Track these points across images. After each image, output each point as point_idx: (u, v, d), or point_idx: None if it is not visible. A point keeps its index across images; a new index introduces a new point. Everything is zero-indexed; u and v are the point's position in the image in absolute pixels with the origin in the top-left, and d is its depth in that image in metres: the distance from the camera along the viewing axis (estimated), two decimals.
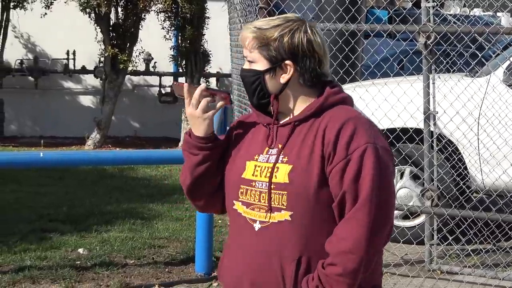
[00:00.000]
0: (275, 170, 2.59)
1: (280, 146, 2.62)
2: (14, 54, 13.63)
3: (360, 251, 2.49)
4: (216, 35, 13.00)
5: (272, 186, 2.59)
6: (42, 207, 8.08)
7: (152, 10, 12.27)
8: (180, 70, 13.93)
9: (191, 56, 12.64)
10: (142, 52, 13.00)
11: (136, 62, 12.80)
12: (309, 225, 2.56)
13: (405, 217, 7.47)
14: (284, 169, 2.58)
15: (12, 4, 12.50)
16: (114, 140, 13.52)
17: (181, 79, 14.07)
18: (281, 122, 2.65)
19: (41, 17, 12.52)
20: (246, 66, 2.66)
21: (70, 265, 6.20)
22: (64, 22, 13.57)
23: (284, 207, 2.58)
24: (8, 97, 13.97)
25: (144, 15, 12.38)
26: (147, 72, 13.94)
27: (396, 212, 7.39)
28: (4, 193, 8.74)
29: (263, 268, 2.61)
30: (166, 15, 12.64)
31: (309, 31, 2.61)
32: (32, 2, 12.45)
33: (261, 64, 2.61)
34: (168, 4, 11.84)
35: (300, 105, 2.65)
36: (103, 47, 12.73)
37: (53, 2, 12.55)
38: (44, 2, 12.51)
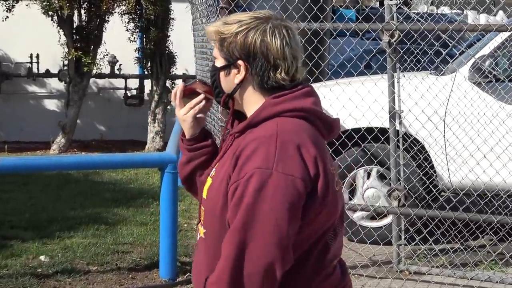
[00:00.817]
0: (205, 183, 2.51)
1: (218, 158, 2.53)
2: None
3: (218, 284, 2.32)
4: (182, 37, 12.88)
5: (201, 199, 2.54)
6: (4, 213, 7.92)
7: (115, 12, 12.09)
8: (146, 72, 13.79)
9: (156, 58, 12.49)
10: (107, 54, 12.83)
11: (100, 65, 12.63)
12: (217, 246, 2.40)
13: (372, 218, 7.42)
14: (208, 184, 2.49)
15: None
16: (79, 144, 13.33)
17: (147, 81, 13.95)
18: (231, 131, 2.52)
19: (3, 20, 12.32)
20: (214, 61, 2.57)
21: (31, 273, 6.08)
22: (27, 25, 13.36)
23: (203, 223, 2.52)
24: None
25: (108, 17, 12.22)
26: (112, 75, 13.74)
27: (362, 212, 7.34)
28: None
29: (197, 281, 2.54)
30: (130, 16, 12.48)
31: (268, 31, 2.42)
32: None
33: (219, 61, 2.50)
34: (132, 6, 11.68)
35: (253, 111, 2.48)
36: (66, 50, 12.54)
37: (14, 5, 12.35)
38: (5, 5, 12.31)
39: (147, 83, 14.17)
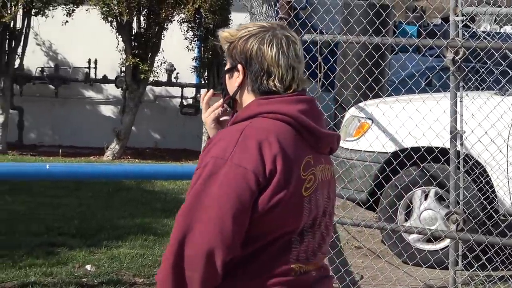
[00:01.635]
0: None
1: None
2: (35, 61, 13.43)
3: (164, 263, 2.41)
4: None
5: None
6: (53, 219, 7.83)
7: (175, 20, 12.00)
8: (203, 82, 13.71)
9: (213, 67, 12.37)
10: (164, 62, 12.75)
11: (157, 73, 12.55)
12: None
13: (428, 240, 7.16)
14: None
15: (33, 11, 12.27)
16: (133, 151, 13.30)
17: (203, 91, 13.84)
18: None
19: (63, 24, 12.33)
20: None
21: (76, 283, 5.94)
22: (86, 30, 13.38)
23: None
24: (28, 105, 13.79)
25: (167, 25, 12.14)
26: (169, 83, 13.68)
27: (418, 235, 7.09)
28: (14, 204, 8.51)
29: None
30: (189, 25, 12.40)
31: (266, 39, 2.51)
32: (53, 9, 12.23)
33: (228, 64, 2.61)
34: (191, 14, 11.57)
35: None
36: (124, 56, 12.50)
37: (74, 10, 12.36)
38: (65, 10, 12.31)
39: (203, 92, 14.06)
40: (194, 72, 13.03)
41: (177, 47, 12.63)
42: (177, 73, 13.65)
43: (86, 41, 13.76)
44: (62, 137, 14.17)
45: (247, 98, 2.56)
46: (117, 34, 12.32)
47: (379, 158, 7.23)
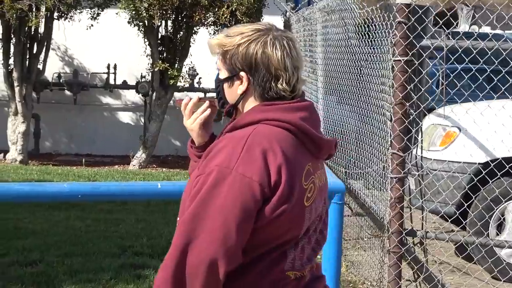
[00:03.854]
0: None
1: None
2: (50, 67, 12.84)
3: (163, 270, 2.37)
4: None
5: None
6: (119, 237, 7.37)
7: (207, 23, 11.54)
8: None
9: None
10: (192, 67, 12.28)
11: (186, 78, 12.08)
12: None
13: None
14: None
15: (56, 14, 11.75)
16: (155, 159, 12.79)
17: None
18: (222, 131, 2.57)
19: (87, 28, 11.84)
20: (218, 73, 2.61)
21: None
22: (103, 35, 12.88)
23: (179, 213, 2.55)
24: (45, 112, 13.26)
25: (198, 28, 11.68)
26: (191, 88, 13.15)
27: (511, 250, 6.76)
28: (70, 219, 8.03)
29: None
30: (216, 28, 11.95)
31: (268, 42, 2.47)
32: (79, 13, 11.72)
33: (223, 73, 2.55)
34: (226, 17, 11.12)
35: None
36: (150, 61, 12.03)
37: (100, 13, 11.87)
38: (90, 13, 11.82)
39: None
40: None
41: (200, 51, 12.15)
42: (200, 78, 13.16)
43: (103, 46, 13.27)
44: (79, 145, 13.65)
45: (250, 105, 2.52)
46: (144, 38, 11.82)
47: (467, 168, 6.90)
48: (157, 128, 12.23)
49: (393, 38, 5.55)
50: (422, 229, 5.77)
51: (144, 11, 11.18)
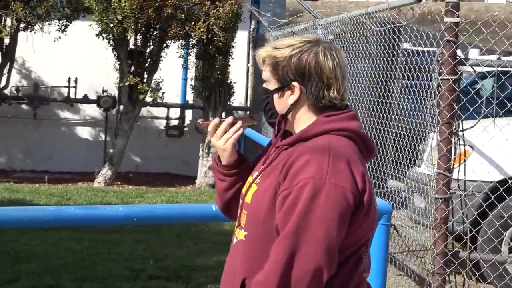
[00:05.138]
0: (249, 189, 2.62)
1: (262, 166, 2.63)
2: (9, 80, 12.31)
3: (269, 285, 2.41)
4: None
5: (243, 204, 2.64)
6: (125, 259, 7.06)
7: (181, 37, 11.26)
8: (191, 102, 13.06)
9: (216, 87, 11.70)
10: (161, 81, 11.96)
11: (158, 93, 11.75)
12: (258, 249, 2.54)
13: None
14: (253, 190, 2.60)
15: (22, 26, 11.30)
16: (118, 176, 12.39)
17: (188, 111, 13.24)
18: (277, 144, 2.64)
19: (55, 41, 11.45)
20: (264, 84, 2.67)
21: None
22: (64, 49, 12.46)
23: (244, 226, 2.60)
24: (2, 127, 12.76)
25: (173, 42, 11.41)
26: (154, 103, 12.71)
27: None
28: (65, 240, 7.67)
29: (228, 282, 2.62)
30: (183, 42, 11.70)
31: (320, 53, 2.56)
32: (49, 24, 11.30)
33: (272, 83, 2.62)
34: (203, 32, 10.88)
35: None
36: (117, 75, 11.67)
37: (68, 25, 11.49)
38: (57, 25, 11.43)
39: (188, 113, 13.39)
40: (193, 92, 12.31)
41: (163, 66, 11.87)
42: (163, 92, 12.82)
43: (64, 59, 12.83)
44: (35, 161, 13.16)
45: (303, 114, 2.60)
46: (114, 51, 11.47)
47: (482, 187, 6.86)
48: (124, 144, 11.88)
49: (440, 57, 5.46)
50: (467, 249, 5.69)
51: (116, 24, 10.85)
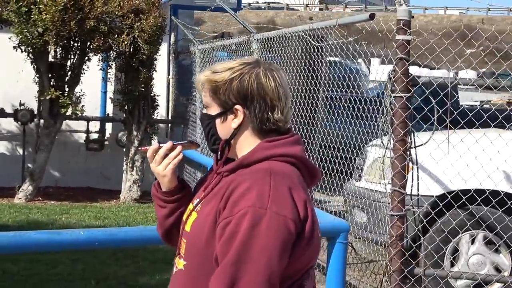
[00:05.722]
0: (189, 217, 2.55)
1: (203, 194, 2.56)
2: None
3: None
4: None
5: (183, 232, 2.56)
6: (65, 280, 6.87)
7: (104, 50, 11.08)
8: (111, 115, 12.85)
9: (140, 100, 11.54)
10: (83, 95, 11.72)
11: (79, 107, 11.50)
12: (197, 279, 2.46)
13: (476, 286, 6.93)
14: (193, 217, 2.52)
15: None
16: (38, 191, 12.07)
17: (108, 125, 13.02)
18: (218, 170, 2.56)
19: None
20: (204, 110, 2.60)
21: None
22: None
23: (183, 256, 2.54)
24: None
25: (94, 55, 11.20)
26: (76, 117, 12.40)
27: (466, 281, 6.85)
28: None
29: None
30: (105, 54, 11.53)
31: (261, 74, 2.50)
32: None
33: (213, 108, 2.55)
34: (126, 44, 10.73)
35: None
36: (36, 88, 11.40)
37: None
38: None
39: (108, 126, 13.19)
40: (116, 105, 12.10)
41: (84, 79, 11.65)
42: (83, 106, 12.57)
43: None
44: None
45: (246, 139, 2.53)
46: (34, 64, 11.18)
47: (423, 201, 6.95)
48: (45, 158, 11.60)
49: (392, 74, 5.50)
50: (422, 266, 5.74)
51: (37, 36, 10.58)
